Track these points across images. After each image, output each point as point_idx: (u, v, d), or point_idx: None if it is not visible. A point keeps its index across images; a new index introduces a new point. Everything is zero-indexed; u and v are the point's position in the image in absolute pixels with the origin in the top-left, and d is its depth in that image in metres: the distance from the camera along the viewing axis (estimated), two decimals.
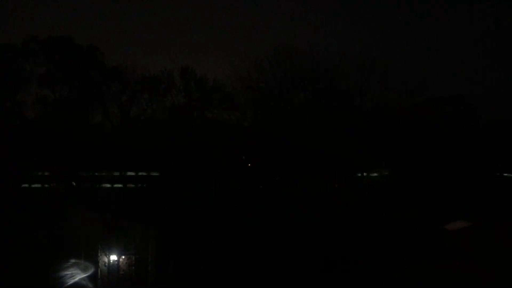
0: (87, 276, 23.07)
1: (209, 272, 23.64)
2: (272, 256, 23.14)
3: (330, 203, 25.91)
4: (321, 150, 27.52)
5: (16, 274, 22.54)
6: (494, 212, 20.67)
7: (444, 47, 68.80)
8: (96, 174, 28.85)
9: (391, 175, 28.94)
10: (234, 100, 31.03)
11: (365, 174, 29.65)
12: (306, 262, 22.73)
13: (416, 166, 28.17)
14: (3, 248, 23.40)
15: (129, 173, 29.45)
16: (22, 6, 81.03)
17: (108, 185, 28.89)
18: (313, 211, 25.03)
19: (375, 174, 29.86)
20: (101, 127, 30.71)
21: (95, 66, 30.20)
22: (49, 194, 27.72)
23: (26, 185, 28.36)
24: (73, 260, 23.23)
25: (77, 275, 22.70)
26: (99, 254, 26.10)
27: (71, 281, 22.37)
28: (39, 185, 28.49)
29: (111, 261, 26.14)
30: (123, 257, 26.47)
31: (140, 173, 29.36)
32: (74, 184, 28.82)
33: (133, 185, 29.15)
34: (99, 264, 25.95)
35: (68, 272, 22.53)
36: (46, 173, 28.64)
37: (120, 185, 28.89)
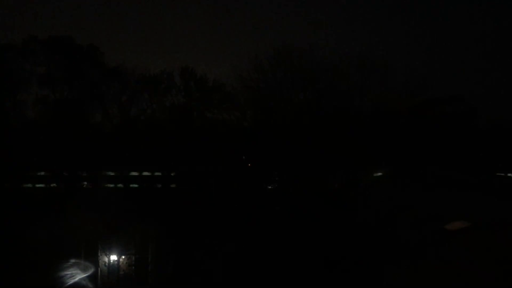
0: (87, 276, 23.08)
1: (209, 272, 23.63)
2: (272, 256, 23.14)
3: (330, 203, 25.92)
4: (321, 150, 27.53)
5: (16, 274, 22.53)
6: (494, 212, 20.62)
7: (444, 47, 68.89)
8: (96, 174, 28.84)
9: (391, 175, 28.92)
10: (234, 100, 31.06)
11: (365, 174, 29.64)
12: (306, 262, 22.71)
13: (416, 166, 28.15)
14: (3, 248, 23.40)
15: (130, 173, 29.44)
16: (22, 6, 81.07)
17: (108, 185, 28.88)
18: (313, 211, 25.04)
19: (375, 174, 29.86)
20: (101, 127, 30.73)
21: (95, 66, 30.24)
22: (49, 194, 27.71)
23: (26, 185, 28.36)
24: (73, 260, 23.25)
25: (77, 275, 22.71)
26: (99, 254, 26.10)
27: (71, 281, 22.38)
28: (39, 185, 28.48)
29: (111, 261, 26.13)
30: (123, 257, 26.46)
31: (139, 173, 29.35)
32: (84, 184, 28.80)
33: (134, 185, 29.14)
34: (99, 264, 25.94)
35: (68, 272, 22.54)
36: (46, 173, 28.64)
37: (120, 185, 28.88)
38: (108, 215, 24.59)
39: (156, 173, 29.39)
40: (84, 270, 23.09)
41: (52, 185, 28.44)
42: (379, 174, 29.82)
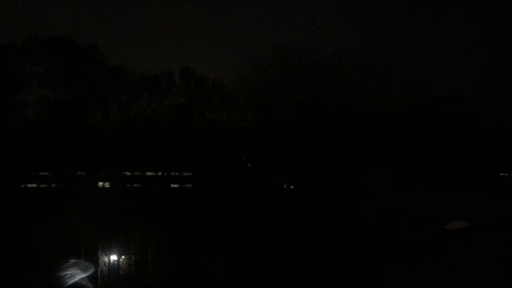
0: (87, 276, 23.06)
1: (209, 272, 23.62)
2: (272, 256, 23.13)
3: (330, 203, 25.91)
4: (321, 150, 27.54)
5: (16, 274, 22.51)
6: (494, 212, 20.65)
7: (444, 48, 68.95)
8: (96, 174, 28.85)
9: (391, 175, 28.94)
10: (234, 100, 31.09)
11: (365, 174, 29.65)
12: (306, 261, 22.71)
13: (416, 166, 28.18)
14: (3, 248, 23.39)
15: (127, 173, 29.45)
16: (22, 6, 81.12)
17: (108, 185, 28.89)
18: (313, 211, 25.04)
19: (375, 174, 29.86)
20: (101, 127, 30.75)
21: (95, 66, 30.24)
22: (49, 194, 27.72)
23: (26, 185, 28.37)
24: (73, 260, 23.22)
25: (77, 275, 22.69)
26: (99, 254, 26.07)
27: (71, 281, 22.36)
28: (39, 185, 28.49)
29: (111, 261, 26.10)
30: (123, 257, 26.43)
31: (137, 173, 29.34)
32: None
33: (134, 185, 29.14)
34: (99, 264, 25.91)
35: (68, 272, 22.53)
36: (46, 173, 28.64)
37: (120, 185, 28.88)
38: (108, 215, 24.58)
39: (158, 173, 29.39)
40: (84, 270, 23.07)
41: (52, 185, 28.43)
42: (379, 174, 29.84)
